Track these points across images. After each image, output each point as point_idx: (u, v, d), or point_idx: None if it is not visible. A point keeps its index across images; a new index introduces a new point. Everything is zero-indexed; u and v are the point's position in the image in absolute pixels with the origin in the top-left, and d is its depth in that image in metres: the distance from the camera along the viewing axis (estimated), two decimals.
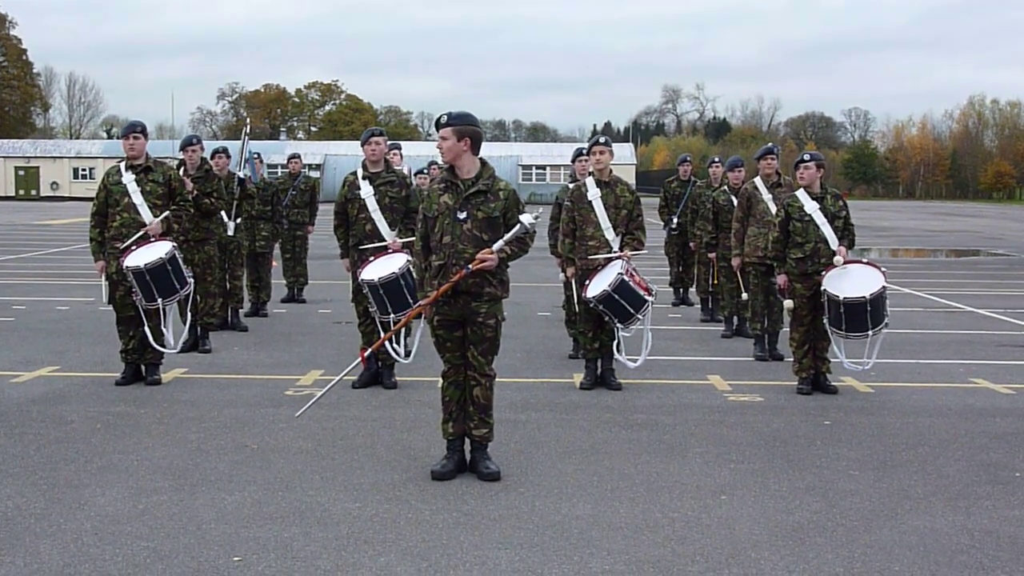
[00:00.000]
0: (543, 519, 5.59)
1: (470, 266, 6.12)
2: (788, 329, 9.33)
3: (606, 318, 8.85)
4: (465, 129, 6.23)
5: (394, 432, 7.45)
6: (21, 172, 74.92)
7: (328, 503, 5.81)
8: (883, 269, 8.89)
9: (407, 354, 8.75)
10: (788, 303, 9.04)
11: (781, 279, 9.16)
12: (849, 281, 8.73)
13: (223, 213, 11.54)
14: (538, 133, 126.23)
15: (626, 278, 8.62)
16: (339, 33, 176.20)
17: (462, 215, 6.22)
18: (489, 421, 6.42)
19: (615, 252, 8.92)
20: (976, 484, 6.35)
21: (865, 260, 9.32)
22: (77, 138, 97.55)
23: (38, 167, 74.87)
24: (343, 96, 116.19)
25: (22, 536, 5.24)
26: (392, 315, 8.55)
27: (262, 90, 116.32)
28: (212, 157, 11.76)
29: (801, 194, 9.09)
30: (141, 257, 8.70)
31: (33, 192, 73.81)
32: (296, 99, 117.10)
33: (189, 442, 7.11)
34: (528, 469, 6.52)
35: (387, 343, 8.30)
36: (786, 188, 10.54)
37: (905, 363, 10.39)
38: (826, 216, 8.97)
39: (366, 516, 5.60)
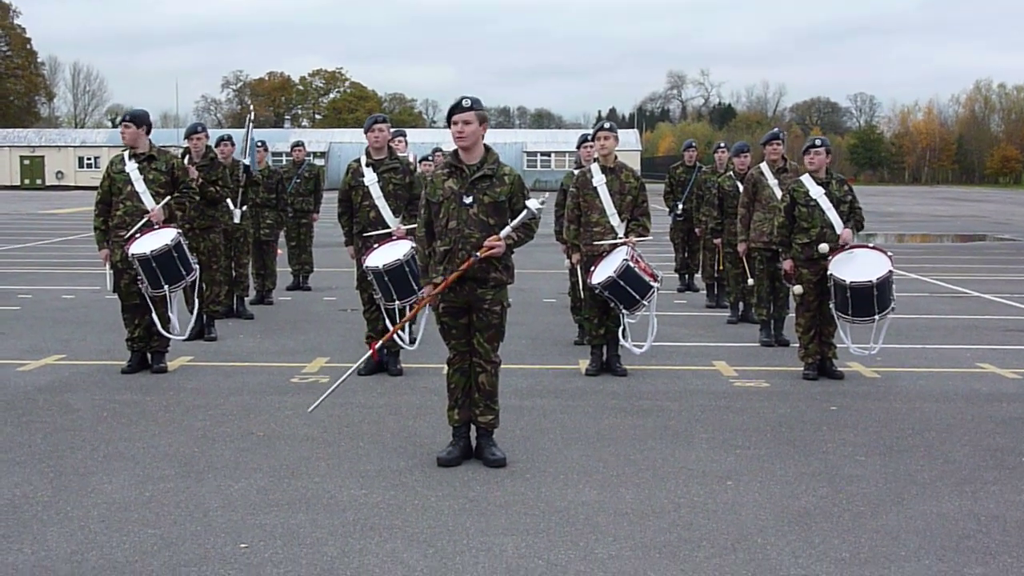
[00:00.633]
0: (549, 505, 5.59)
1: (478, 253, 6.11)
2: (794, 315, 9.32)
3: (611, 304, 8.84)
4: (483, 114, 6.24)
5: (400, 419, 7.46)
6: (26, 161, 74.98)
7: (334, 490, 5.82)
8: (889, 254, 8.87)
9: (412, 341, 8.75)
10: (796, 288, 9.02)
11: (787, 264, 9.14)
12: (856, 266, 8.71)
13: (229, 201, 11.53)
14: (543, 120, 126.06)
15: (631, 264, 8.61)
16: (343, 20, 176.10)
17: (468, 200, 6.20)
18: (495, 408, 6.42)
19: (620, 238, 8.90)
20: (983, 469, 6.34)
21: (871, 245, 9.29)
22: (82, 127, 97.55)
23: (43, 156, 74.93)
24: (347, 84, 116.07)
25: (29, 523, 5.26)
26: (397, 302, 8.55)
27: (266, 78, 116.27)
28: (217, 145, 11.75)
29: (806, 179, 9.07)
30: (146, 244, 8.71)
31: (38, 181, 73.88)
32: (300, 87, 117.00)
33: (195, 430, 7.13)
34: (534, 455, 6.53)
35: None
36: (792, 173, 10.51)
37: (911, 348, 10.37)
38: (831, 201, 8.94)
39: (372, 503, 5.61)
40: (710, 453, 6.63)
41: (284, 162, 16.80)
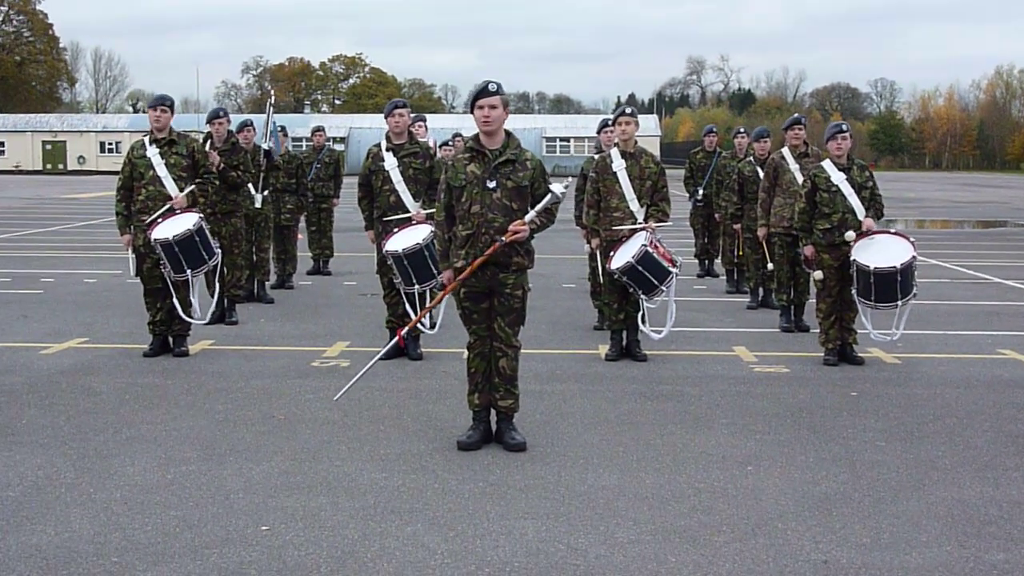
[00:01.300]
0: (569, 489, 5.60)
1: (503, 238, 6.11)
2: (814, 300, 9.29)
3: (630, 289, 8.83)
4: (507, 98, 6.25)
5: (420, 403, 7.48)
6: (48, 146, 75.37)
7: (355, 473, 5.84)
8: (912, 239, 8.83)
9: (432, 326, 8.77)
10: (817, 274, 8.98)
11: (808, 250, 9.10)
12: (879, 251, 8.67)
13: (250, 186, 11.57)
14: (562, 105, 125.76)
15: (650, 250, 8.59)
16: (363, 6, 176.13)
17: (492, 184, 6.20)
18: (515, 392, 6.43)
19: (640, 223, 8.89)
20: (1004, 455, 6.31)
21: (893, 231, 9.25)
22: (103, 112, 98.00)
23: (65, 141, 75.29)
24: (367, 69, 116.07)
25: (53, 505, 5.30)
26: (417, 286, 8.57)
27: (286, 63, 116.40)
28: (239, 131, 11.76)
29: (827, 164, 9.03)
30: (169, 229, 8.74)
31: (60, 166, 74.26)
32: (320, 72, 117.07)
33: (216, 413, 7.16)
34: (554, 440, 6.53)
35: (412, 314, 8.32)
36: (813, 158, 10.47)
37: (932, 334, 10.33)
38: (853, 187, 8.90)
39: (393, 486, 5.63)
40: (730, 438, 6.62)
41: (304, 147, 16.79)
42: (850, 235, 8.77)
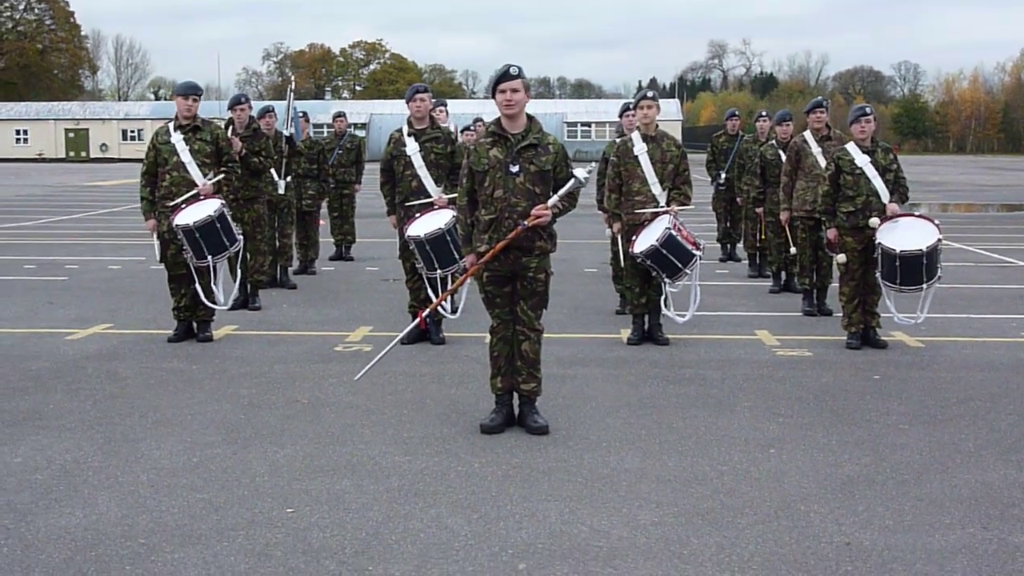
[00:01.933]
0: (592, 472, 5.62)
1: (525, 222, 6.12)
2: (837, 284, 9.26)
3: (653, 273, 8.82)
4: (528, 82, 6.24)
5: (443, 387, 7.50)
6: (71, 134, 75.70)
7: (379, 456, 5.88)
8: (936, 222, 8.78)
9: (455, 310, 8.80)
10: (840, 257, 8.95)
11: (831, 233, 9.07)
12: (904, 234, 8.62)
13: (273, 172, 11.60)
14: (583, 90, 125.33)
15: (674, 232, 8.57)
16: None
17: (515, 169, 6.21)
18: (537, 376, 6.44)
19: (662, 207, 8.87)
20: None
21: (917, 213, 9.20)
22: (125, 100, 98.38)
23: (87, 129, 75.61)
24: (387, 55, 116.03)
25: (80, 488, 5.35)
26: (439, 271, 8.59)
27: (307, 50, 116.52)
28: (261, 117, 11.79)
29: (851, 147, 8.98)
30: (191, 215, 8.78)
31: (83, 154, 74.59)
32: (341, 59, 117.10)
33: (241, 397, 7.21)
34: (576, 423, 6.55)
35: (434, 298, 8.34)
36: (836, 141, 10.43)
37: (956, 318, 10.29)
38: (877, 169, 8.86)
39: (416, 469, 5.66)
40: (753, 421, 6.62)
41: (325, 133, 16.84)
42: (874, 221, 8.73)
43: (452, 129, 11.58)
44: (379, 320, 10.09)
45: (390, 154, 9.06)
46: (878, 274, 8.73)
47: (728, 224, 14.94)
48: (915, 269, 8.56)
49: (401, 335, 6.97)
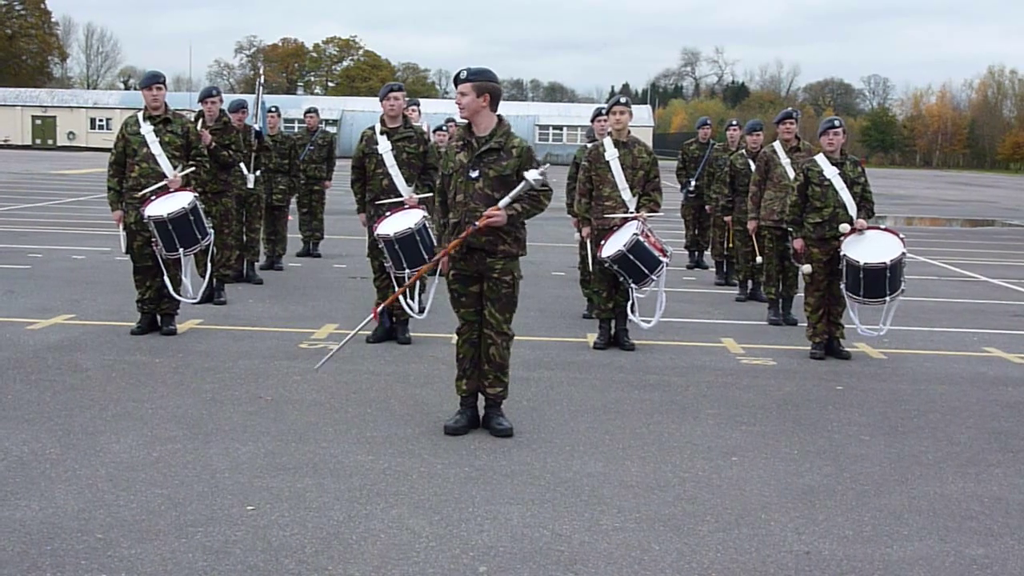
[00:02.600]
0: (555, 476, 5.62)
1: (476, 223, 6.11)
2: (802, 294, 9.32)
3: (620, 278, 8.84)
4: (484, 85, 6.17)
5: (408, 387, 7.48)
6: (38, 121, 75.00)
7: (341, 455, 5.85)
8: (902, 236, 8.86)
9: (421, 310, 8.77)
10: (805, 268, 9.02)
11: (797, 243, 9.13)
12: (869, 247, 8.70)
13: (243, 166, 11.53)
14: (555, 93, 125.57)
15: (641, 239, 8.60)
16: None
17: (474, 174, 6.20)
18: (504, 380, 6.43)
19: (631, 213, 8.90)
20: (987, 452, 6.35)
21: (883, 227, 9.28)
22: (94, 88, 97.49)
23: (55, 117, 74.94)
24: (361, 52, 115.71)
25: (38, 481, 5.29)
26: (407, 270, 8.57)
27: (280, 44, 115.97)
28: (234, 111, 11.69)
29: (820, 159, 9.04)
30: (163, 207, 8.71)
31: (50, 142, 73.92)
32: (314, 54, 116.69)
33: (203, 392, 7.16)
34: (540, 426, 6.55)
35: (401, 299, 8.32)
36: (805, 153, 10.49)
37: (919, 331, 10.37)
38: (845, 181, 8.92)
39: (379, 469, 5.64)
40: (716, 429, 6.65)
41: (297, 129, 16.78)
42: (844, 227, 8.79)
43: (425, 128, 11.56)
44: (345, 318, 10.05)
45: (362, 152, 9.03)
46: (842, 285, 8.80)
47: (696, 231, 15.01)
48: (879, 281, 8.63)
49: (357, 329, 6.88)
